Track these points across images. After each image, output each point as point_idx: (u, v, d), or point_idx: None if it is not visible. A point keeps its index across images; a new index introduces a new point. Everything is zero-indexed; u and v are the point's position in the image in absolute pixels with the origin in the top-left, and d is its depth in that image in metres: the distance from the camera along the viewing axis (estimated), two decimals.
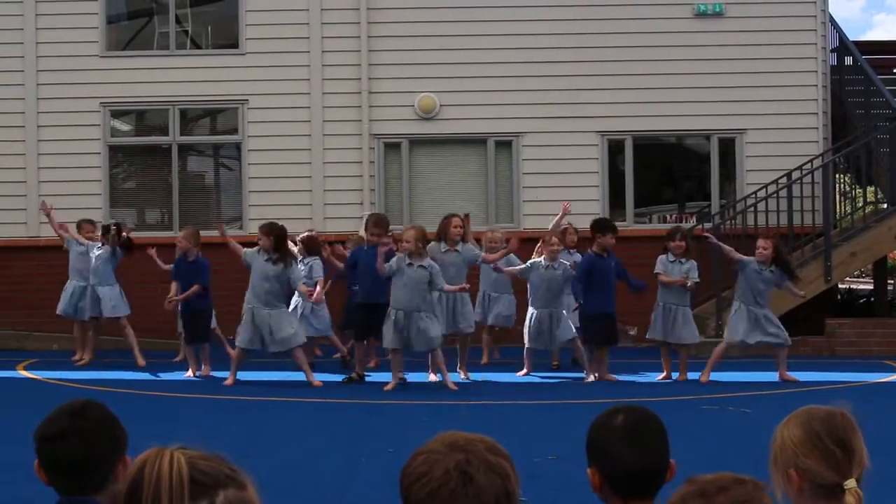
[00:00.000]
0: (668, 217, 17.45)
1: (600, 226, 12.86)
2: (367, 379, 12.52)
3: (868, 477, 2.88)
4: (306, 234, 14.08)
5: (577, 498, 6.57)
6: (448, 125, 16.92)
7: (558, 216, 13.66)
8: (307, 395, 11.56)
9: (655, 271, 12.87)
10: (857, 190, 18.74)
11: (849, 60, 17.64)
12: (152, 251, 14.08)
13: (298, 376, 12.63)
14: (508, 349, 13.99)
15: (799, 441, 2.87)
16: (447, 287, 12.06)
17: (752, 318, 12.52)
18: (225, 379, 12.41)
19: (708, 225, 16.26)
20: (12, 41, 16.93)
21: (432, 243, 12.68)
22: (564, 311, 12.80)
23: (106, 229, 14.51)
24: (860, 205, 17.79)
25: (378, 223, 12.87)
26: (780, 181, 16.22)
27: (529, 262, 12.98)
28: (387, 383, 11.97)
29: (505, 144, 16.98)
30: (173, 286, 13.30)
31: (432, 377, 12.39)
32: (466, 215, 13.61)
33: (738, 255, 12.66)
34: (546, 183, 16.72)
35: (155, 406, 10.91)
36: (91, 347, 14.41)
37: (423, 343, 11.94)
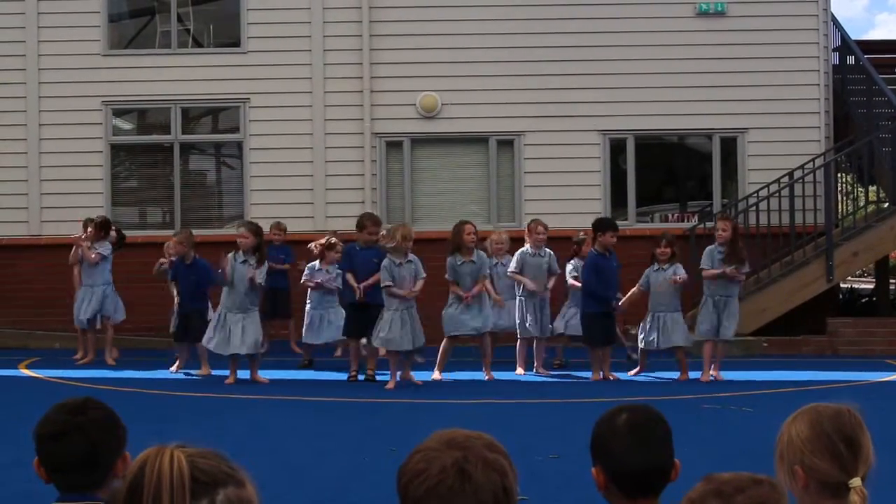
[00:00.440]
0: (670, 216, 17.44)
1: (601, 225, 12.86)
2: (377, 378, 12.47)
3: (872, 475, 2.87)
4: (329, 239, 13.94)
5: (579, 497, 6.57)
6: (450, 124, 16.91)
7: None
8: (308, 395, 11.56)
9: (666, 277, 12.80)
10: (859, 189, 18.72)
11: (851, 60, 17.62)
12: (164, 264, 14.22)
13: (300, 375, 12.64)
14: (501, 349, 13.93)
15: (806, 438, 2.86)
16: (420, 283, 12.22)
17: (719, 310, 12.63)
18: (226, 377, 12.41)
19: (710, 224, 16.25)
20: (14, 40, 16.93)
21: (448, 258, 12.67)
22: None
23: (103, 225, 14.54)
24: (862, 204, 17.78)
25: (377, 223, 12.90)
26: (781, 180, 16.21)
27: (517, 253, 13.09)
28: (386, 382, 11.98)
29: (507, 143, 16.98)
30: (173, 288, 13.50)
31: (437, 375, 12.44)
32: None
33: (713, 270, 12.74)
34: (548, 182, 16.71)
35: (156, 404, 10.91)
36: (94, 347, 14.42)
37: (417, 339, 12.03)
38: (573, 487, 6.96)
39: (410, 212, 16.71)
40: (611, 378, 12.56)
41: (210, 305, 13.40)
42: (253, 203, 16.83)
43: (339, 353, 14.24)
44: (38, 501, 3.55)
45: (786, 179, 16.17)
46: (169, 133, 17.16)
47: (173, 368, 13.33)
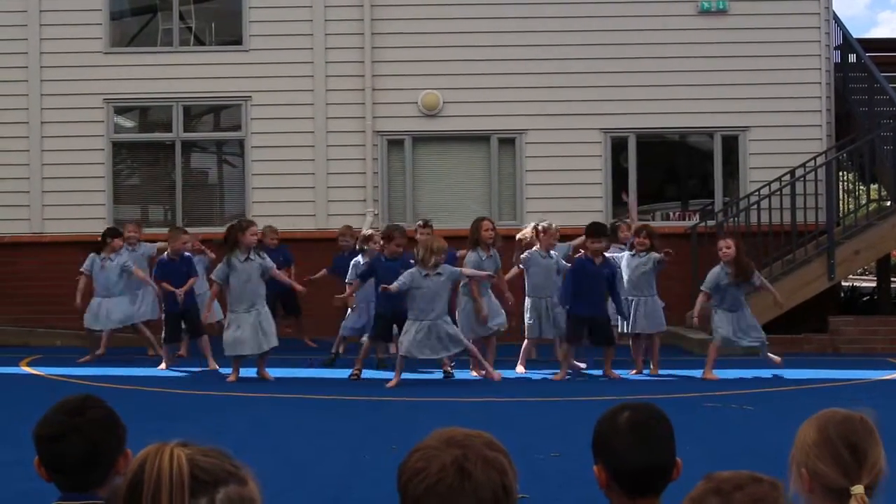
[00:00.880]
0: (672, 215, 17.44)
1: (592, 231, 12.72)
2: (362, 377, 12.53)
3: (885, 484, 2.88)
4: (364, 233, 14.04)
5: (581, 495, 6.57)
6: (451, 122, 16.92)
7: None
8: (311, 392, 11.56)
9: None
10: (861, 187, 18.71)
11: (852, 58, 17.62)
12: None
13: (305, 373, 12.64)
14: (504, 347, 13.94)
15: (812, 442, 2.88)
16: (466, 271, 12.33)
17: (733, 321, 12.68)
18: (228, 375, 12.42)
19: (711, 223, 16.26)
20: (16, 37, 16.95)
21: (470, 254, 12.73)
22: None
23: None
24: (863, 202, 17.77)
25: (405, 235, 12.89)
26: (783, 179, 16.21)
27: (527, 253, 13.06)
28: (389, 380, 11.98)
29: (508, 141, 16.98)
30: (161, 287, 13.62)
31: (474, 372, 12.56)
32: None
33: (701, 303, 12.79)
34: (549, 180, 16.72)
35: (157, 402, 10.92)
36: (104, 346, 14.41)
37: (453, 345, 12.01)
38: (574, 486, 6.96)
39: (412, 210, 16.71)
40: (614, 377, 12.55)
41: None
42: (254, 201, 16.84)
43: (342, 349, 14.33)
44: (40, 500, 3.55)
45: (787, 178, 16.17)
46: (171, 131, 17.17)
47: (162, 366, 13.38)
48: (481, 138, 16.99)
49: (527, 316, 13.08)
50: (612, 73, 16.80)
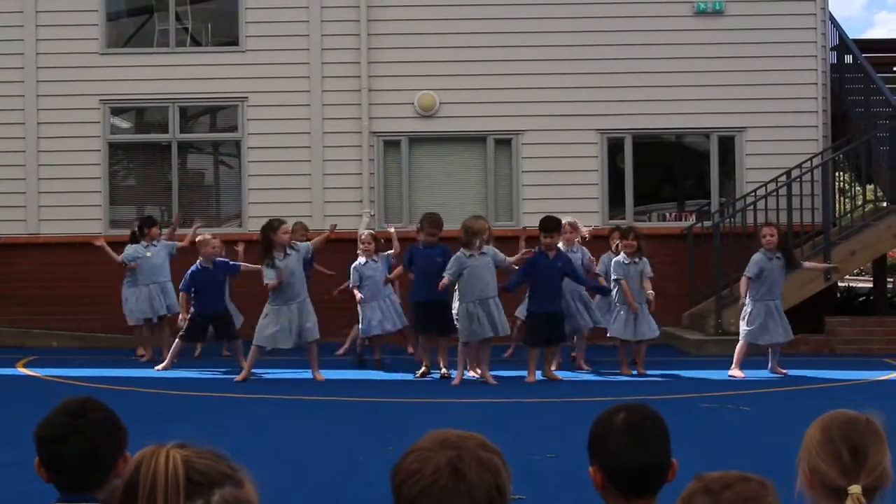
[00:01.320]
0: (668, 215, 17.45)
1: (543, 225, 12.65)
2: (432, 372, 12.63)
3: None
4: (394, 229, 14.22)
5: (577, 496, 6.58)
6: (448, 123, 16.92)
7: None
8: (307, 394, 11.57)
9: (614, 276, 12.96)
10: (857, 188, 18.73)
11: (848, 59, 17.63)
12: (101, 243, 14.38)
13: (302, 374, 12.64)
14: (500, 347, 13.96)
15: (815, 441, 2.91)
16: (510, 260, 12.42)
17: (767, 314, 12.78)
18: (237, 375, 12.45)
19: (707, 223, 16.27)
20: (12, 38, 16.93)
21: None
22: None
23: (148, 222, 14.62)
24: (860, 203, 17.79)
25: (435, 223, 13.00)
26: (779, 179, 16.22)
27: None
28: (452, 378, 12.19)
29: (505, 142, 16.99)
30: (189, 297, 13.49)
31: (472, 373, 12.58)
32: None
33: (743, 283, 12.95)
34: (546, 181, 16.73)
35: (155, 403, 10.91)
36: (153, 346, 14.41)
37: (501, 327, 12.14)
38: (571, 487, 6.97)
39: (408, 211, 16.72)
40: (555, 378, 12.49)
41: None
42: (251, 202, 16.84)
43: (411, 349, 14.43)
44: (39, 501, 3.55)
45: (783, 178, 16.18)
46: (167, 132, 17.16)
47: (160, 367, 13.33)
48: (478, 139, 17.00)
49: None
50: (608, 74, 16.81)
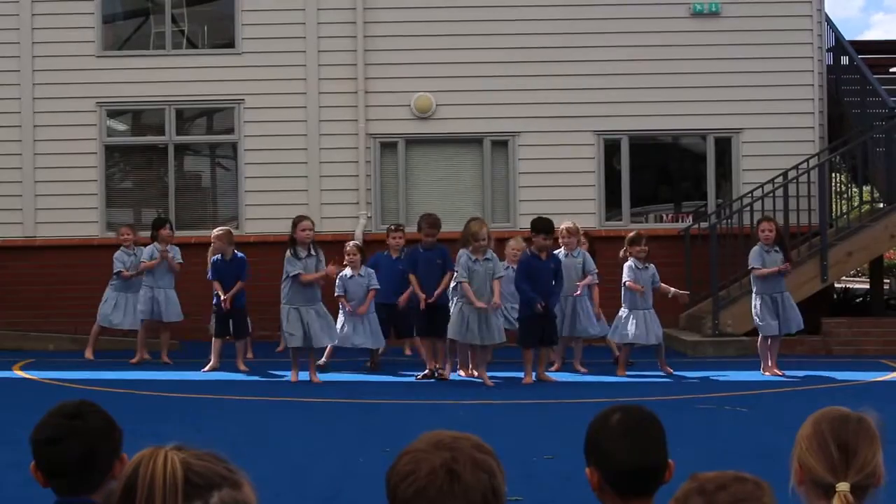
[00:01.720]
0: (665, 217, 17.46)
1: (535, 226, 12.68)
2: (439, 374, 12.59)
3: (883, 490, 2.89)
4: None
5: (574, 497, 6.58)
6: (444, 125, 16.92)
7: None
8: (304, 395, 11.56)
9: (624, 279, 13.04)
10: (854, 189, 18.75)
11: (845, 60, 17.65)
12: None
13: (299, 375, 12.65)
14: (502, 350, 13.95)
15: (806, 436, 2.91)
16: (502, 274, 12.47)
17: (775, 306, 12.91)
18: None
19: (704, 224, 16.28)
20: (8, 41, 16.92)
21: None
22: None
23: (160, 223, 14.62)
24: (856, 204, 17.80)
25: (433, 223, 13.00)
26: (776, 181, 16.23)
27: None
28: (450, 379, 12.26)
29: (501, 144, 16.98)
30: (216, 285, 13.54)
31: (462, 373, 12.65)
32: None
33: (763, 270, 13.01)
34: (542, 182, 16.73)
35: (152, 406, 10.90)
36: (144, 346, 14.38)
37: (494, 335, 12.15)
38: (568, 488, 6.97)
39: (405, 212, 16.71)
40: (549, 380, 12.51)
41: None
42: (247, 204, 16.84)
43: (408, 351, 14.50)
44: None
45: (780, 179, 16.19)
46: (163, 134, 17.15)
47: (206, 368, 13.36)
48: (474, 141, 16.99)
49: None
50: (604, 76, 16.82)
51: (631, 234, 13.56)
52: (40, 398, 10.53)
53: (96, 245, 16.35)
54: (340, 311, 13.27)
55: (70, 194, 16.70)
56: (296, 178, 16.79)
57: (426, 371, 12.62)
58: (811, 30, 16.94)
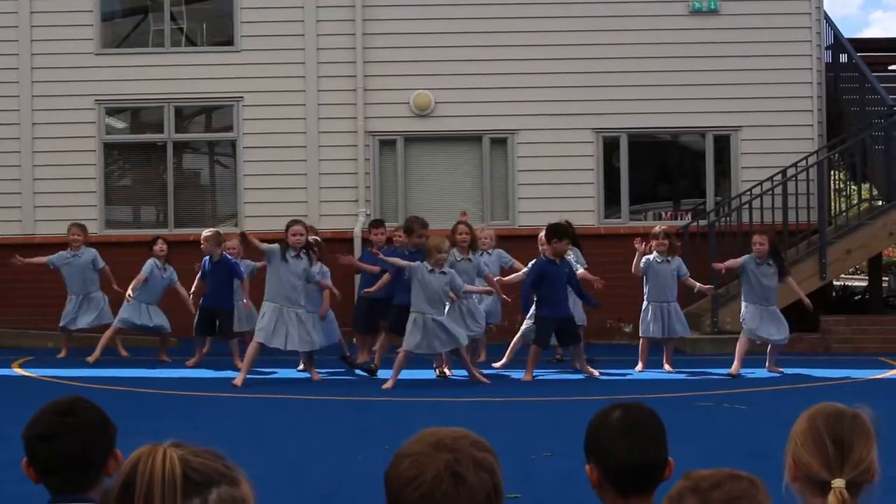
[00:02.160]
0: (664, 214, 17.46)
1: (556, 232, 12.64)
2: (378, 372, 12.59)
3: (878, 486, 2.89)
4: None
5: (573, 495, 6.58)
6: (443, 122, 16.92)
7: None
8: (302, 393, 11.56)
9: (681, 276, 13.09)
10: (852, 187, 18.75)
11: (843, 58, 17.65)
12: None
13: (298, 374, 12.64)
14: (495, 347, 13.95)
15: (801, 432, 2.91)
16: (468, 288, 12.34)
17: (764, 315, 12.89)
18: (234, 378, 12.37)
19: (703, 222, 16.28)
20: (7, 38, 16.91)
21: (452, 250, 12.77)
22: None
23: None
24: (855, 202, 17.81)
25: (425, 225, 13.01)
26: (774, 178, 16.23)
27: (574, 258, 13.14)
28: (385, 381, 11.96)
29: (500, 142, 16.98)
30: (196, 284, 13.70)
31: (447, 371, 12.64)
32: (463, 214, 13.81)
33: (735, 261, 12.97)
34: (541, 180, 16.73)
35: (149, 403, 10.91)
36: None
37: (450, 342, 12.02)
38: (567, 485, 6.97)
39: (404, 210, 16.70)
40: (591, 373, 12.59)
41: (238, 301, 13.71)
42: (246, 202, 16.84)
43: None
44: (31, 503, 3.54)
45: (779, 177, 16.19)
46: (162, 132, 17.15)
47: (190, 363, 13.54)
48: (473, 138, 16.99)
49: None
50: (603, 73, 16.82)
51: (654, 228, 13.65)
52: (38, 396, 10.52)
53: (95, 243, 16.31)
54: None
55: (69, 192, 16.69)
56: (295, 176, 16.79)
57: (438, 371, 12.64)
58: (810, 27, 16.93)
